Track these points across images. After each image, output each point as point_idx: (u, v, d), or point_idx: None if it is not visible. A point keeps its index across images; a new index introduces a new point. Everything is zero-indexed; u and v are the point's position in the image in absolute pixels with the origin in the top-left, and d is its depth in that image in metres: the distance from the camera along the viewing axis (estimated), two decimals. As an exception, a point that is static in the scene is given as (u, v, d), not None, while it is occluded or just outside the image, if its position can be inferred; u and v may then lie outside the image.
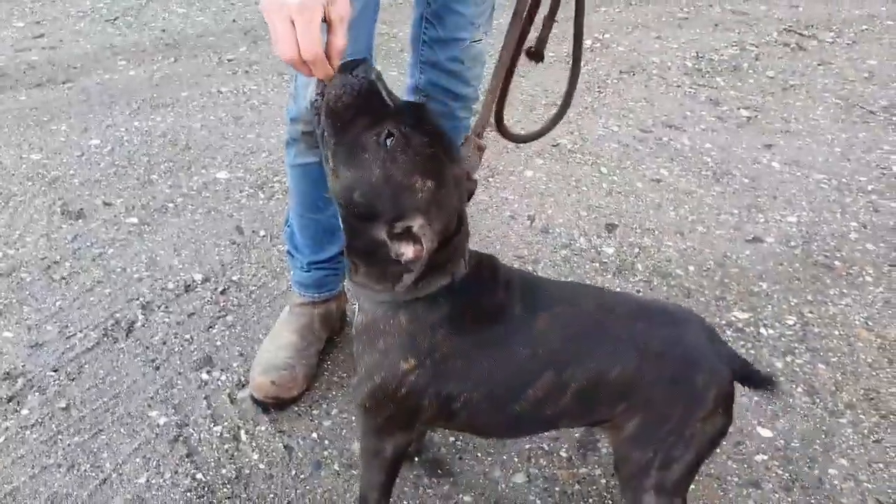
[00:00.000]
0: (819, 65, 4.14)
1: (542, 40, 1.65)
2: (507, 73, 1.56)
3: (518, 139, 1.85)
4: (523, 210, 2.74)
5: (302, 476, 1.70)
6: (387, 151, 1.14)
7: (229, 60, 3.89)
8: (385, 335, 1.26)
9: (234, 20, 4.42)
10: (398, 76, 3.71)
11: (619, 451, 1.34)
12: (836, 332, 2.20)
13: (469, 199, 1.30)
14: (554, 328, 1.28)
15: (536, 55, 1.67)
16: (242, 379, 1.95)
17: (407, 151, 1.14)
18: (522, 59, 1.65)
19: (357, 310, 1.34)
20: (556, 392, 1.28)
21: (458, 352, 1.25)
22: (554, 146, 3.16)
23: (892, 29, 4.68)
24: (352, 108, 1.17)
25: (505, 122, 1.72)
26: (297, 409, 1.87)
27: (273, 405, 1.86)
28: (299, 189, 1.82)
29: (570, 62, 1.70)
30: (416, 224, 1.13)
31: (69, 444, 1.75)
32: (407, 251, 1.15)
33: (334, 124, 1.18)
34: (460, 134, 1.94)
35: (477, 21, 1.74)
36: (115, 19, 4.30)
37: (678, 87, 3.82)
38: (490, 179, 2.90)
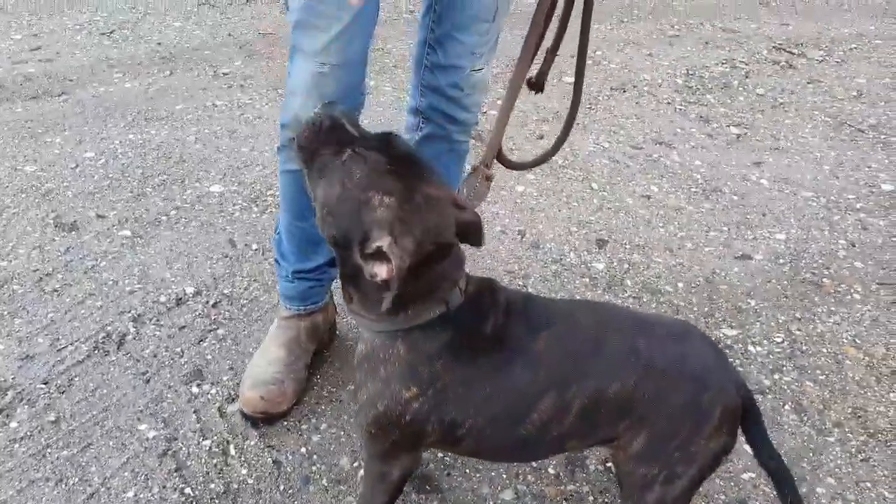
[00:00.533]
0: (808, 83, 4.19)
1: (544, 72, 1.70)
2: (511, 97, 1.59)
3: (516, 166, 1.88)
4: (514, 225, 2.76)
5: (290, 491, 1.71)
6: (344, 170, 1.19)
7: (224, 74, 3.92)
8: (386, 364, 1.28)
9: (229, 34, 4.45)
10: (392, 91, 3.75)
11: (624, 466, 1.35)
12: (824, 350, 2.21)
13: (473, 233, 1.30)
14: (554, 348, 1.29)
15: (537, 86, 1.72)
16: (232, 393, 1.95)
17: (363, 168, 1.18)
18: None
19: (359, 339, 1.36)
20: (560, 412, 1.28)
21: (459, 380, 1.26)
22: (546, 162, 3.18)
23: (881, 47, 4.74)
24: (318, 140, 1.25)
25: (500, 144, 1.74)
26: (286, 423, 1.87)
27: (263, 420, 1.87)
28: (288, 195, 1.84)
29: (571, 95, 1.74)
30: (385, 243, 1.14)
31: (58, 458, 1.75)
32: (380, 271, 1.16)
33: (305, 157, 1.27)
34: (459, 157, 1.97)
35: (478, 51, 1.75)
36: (111, 32, 4.33)
37: (669, 104, 3.85)
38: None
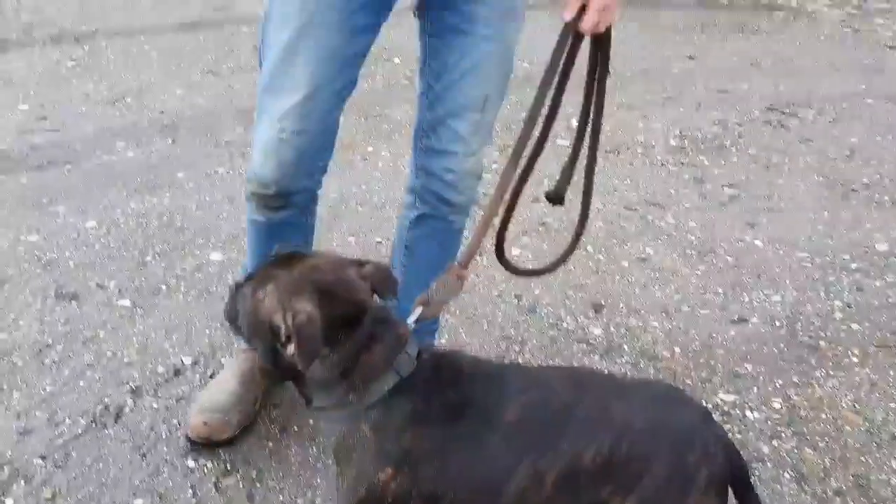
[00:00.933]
0: (801, 142, 4.25)
1: (563, 185, 1.75)
2: (510, 204, 1.64)
3: (520, 273, 1.94)
4: (510, 289, 2.77)
5: (285, 569, 1.69)
6: (241, 300, 1.36)
7: (226, 142, 3.99)
8: (356, 449, 1.29)
9: (231, 102, 4.55)
10: (389, 157, 3.81)
11: None
12: (823, 416, 2.20)
13: (383, 283, 1.37)
14: (525, 416, 1.29)
15: (556, 199, 1.76)
16: (229, 466, 1.94)
17: (249, 285, 1.34)
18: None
19: (326, 430, 1.39)
20: (537, 482, 1.27)
21: (431, 453, 1.26)
22: (541, 225, 3.22)
23: (873, 107, 4.82)
24: (235, 309, 1.40)
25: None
26: (281, 497, 1.86)
27: (205, 445, 1.95)
28: (254, 242, 1.98)
29: (580, 213, 1.84)
30: (279, 317, 1.23)
31: (52, 537, 1.74)
32: (293, 345, 1.22)
33: (233, 328, 1.45)
34: (453, 236, 2.00)
35: (471, 139, 1.81)
36: (115, 101, 4.42)
37: (662, 165, 3.91)
38: (477, 258, 2.94)
